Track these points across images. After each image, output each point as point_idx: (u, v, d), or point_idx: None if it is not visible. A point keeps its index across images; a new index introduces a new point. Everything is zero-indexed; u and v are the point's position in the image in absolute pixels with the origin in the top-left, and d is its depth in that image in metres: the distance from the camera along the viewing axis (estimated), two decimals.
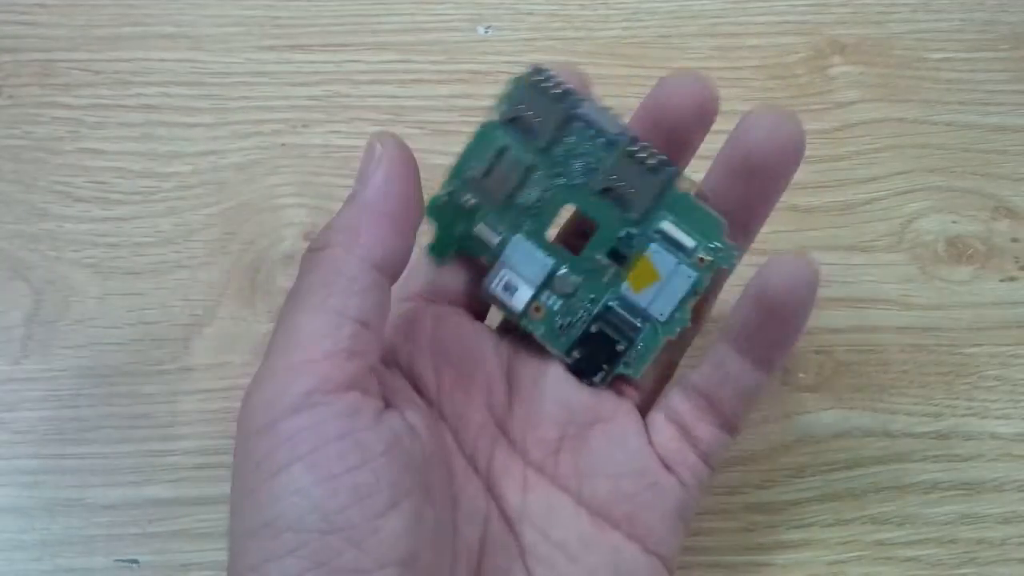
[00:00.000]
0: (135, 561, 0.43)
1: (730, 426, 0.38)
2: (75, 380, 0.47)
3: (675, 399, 0.39)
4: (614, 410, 0.39)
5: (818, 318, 0.49)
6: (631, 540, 0.37)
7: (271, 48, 0.55)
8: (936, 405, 0.47)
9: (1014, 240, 0.51)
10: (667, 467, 0.38)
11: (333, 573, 0.31)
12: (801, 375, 0.48)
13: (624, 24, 0.57)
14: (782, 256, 0.36)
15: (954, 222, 0.51)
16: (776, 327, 0.37)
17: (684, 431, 0.38)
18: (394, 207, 0.35)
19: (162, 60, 0.55)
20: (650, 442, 0.38)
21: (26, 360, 0.47)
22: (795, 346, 0.37)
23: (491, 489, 0.38)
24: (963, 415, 0.47)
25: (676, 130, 0.38)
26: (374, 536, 0.31)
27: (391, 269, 0.35)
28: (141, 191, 0.51)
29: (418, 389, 0.38)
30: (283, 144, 0.52)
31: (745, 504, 0.45)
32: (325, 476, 0.31)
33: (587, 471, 0.38)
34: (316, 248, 0.35)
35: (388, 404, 0.35)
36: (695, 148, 0.39)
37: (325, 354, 0.33)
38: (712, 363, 0.38)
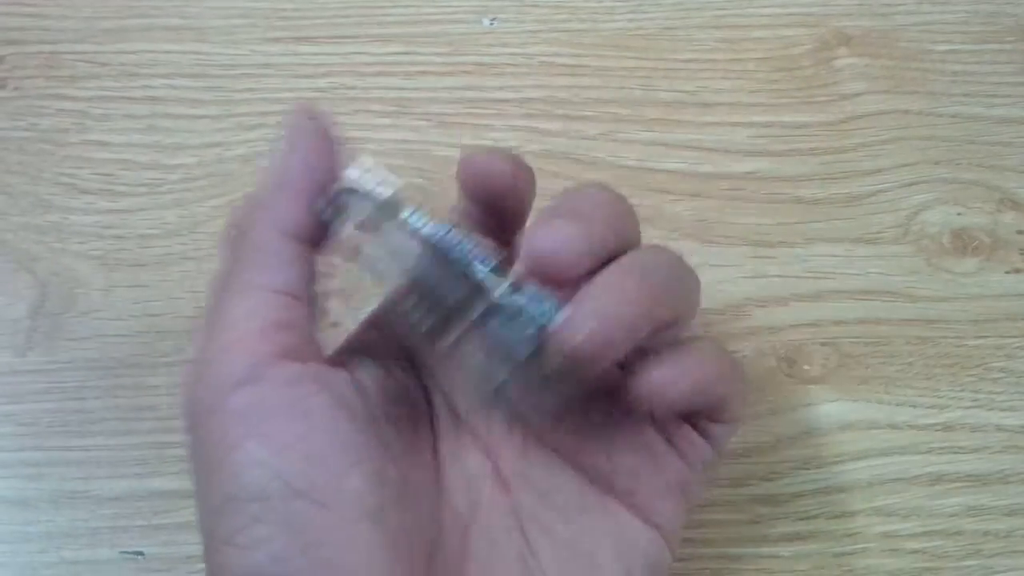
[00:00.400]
0: (140, 553, 0.43)
1: (721, 416, 0.38)
2: (80, 372, 0.47)
3: None
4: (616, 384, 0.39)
5: (824, 310, 0.49)
6: (630, 509, 0.37)
7: (276, 40, 0.55)
8: (941, 397, 0.47)
9: (1019, 232, 0.51)
10: (669, 443, 0.38)
11: (301, 533, 0.31)
12: (807, 367, 0.47)
13: (629, 16, 0.57)
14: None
15: (959, 214, 0.51)
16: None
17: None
18: (297, 177, 0.35)
19: (167, 52, 0.55)
20: (653, 419, 0.39)
21: (31, 352, 0.47)
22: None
23: (489, 452, 0.38)
24: (968, 407, 0.47)
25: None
26: (338, 495, 0.32)
27: (306, 236, 0.35)
28: (147, 183, 0.51)
29: (410, 357, 0.39)
30: None
31: (751, 496, 0.45)
32: (279, 447, 0.32)
33: (589, 440, 0.38)
34: (230, 230, 0.36)
35: (338, 366, 0.35)
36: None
37: (255, 331, 0.34)
38: None
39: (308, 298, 0.36)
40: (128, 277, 0.49)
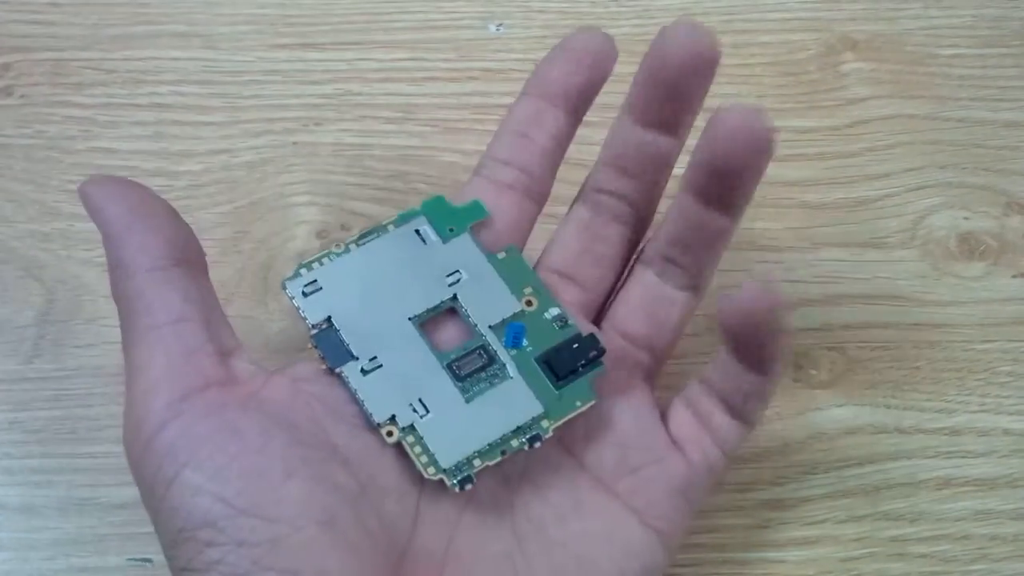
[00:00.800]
0: (148, 560, 0.43)
1: (743, 418, 0.38)
2: (87, 379, 0.47)
3: (693, 390, 0.39)
4: (628, 382, 0.39)
5: (831, 314, 0.49)
6: (630, 511, 0.38)
7: (283, 46, 0.55)
8: (949, 401, 0.47)
9: None
10: (677, 446, 0.38)
11: (254, 548, 0.32)
12: (813, 372, 0.47)
13: (635, 21, 0.57)
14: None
15: (966, 218, 0.51)
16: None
17: (700, 418, 0.38)
18: (125, 220, 0.36)
19: (174, 59, 0.55)
20: (665, 421, 0.39)
21: (38, 359, 0.47)
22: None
23: None
24: (976, 411, 0.47)
25: (675, 86, 0.39)
26: (279, 506, 0.33)
27: (172, 260, 0.36)
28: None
29: None
30: (295, 142, 0.52)
31: (758, 501, 0.45)
32: (213, 471, 0.33)
33: (596, 437, 0.38)
34: (112, 288, 0.36)
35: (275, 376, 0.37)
36: (695, 106, 0.39)
37: (163, 370, 0.35)
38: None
39: (205, 313, 0.36)
40: None
